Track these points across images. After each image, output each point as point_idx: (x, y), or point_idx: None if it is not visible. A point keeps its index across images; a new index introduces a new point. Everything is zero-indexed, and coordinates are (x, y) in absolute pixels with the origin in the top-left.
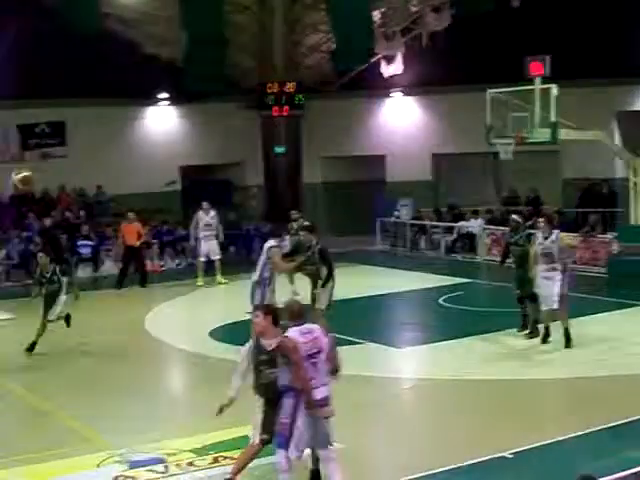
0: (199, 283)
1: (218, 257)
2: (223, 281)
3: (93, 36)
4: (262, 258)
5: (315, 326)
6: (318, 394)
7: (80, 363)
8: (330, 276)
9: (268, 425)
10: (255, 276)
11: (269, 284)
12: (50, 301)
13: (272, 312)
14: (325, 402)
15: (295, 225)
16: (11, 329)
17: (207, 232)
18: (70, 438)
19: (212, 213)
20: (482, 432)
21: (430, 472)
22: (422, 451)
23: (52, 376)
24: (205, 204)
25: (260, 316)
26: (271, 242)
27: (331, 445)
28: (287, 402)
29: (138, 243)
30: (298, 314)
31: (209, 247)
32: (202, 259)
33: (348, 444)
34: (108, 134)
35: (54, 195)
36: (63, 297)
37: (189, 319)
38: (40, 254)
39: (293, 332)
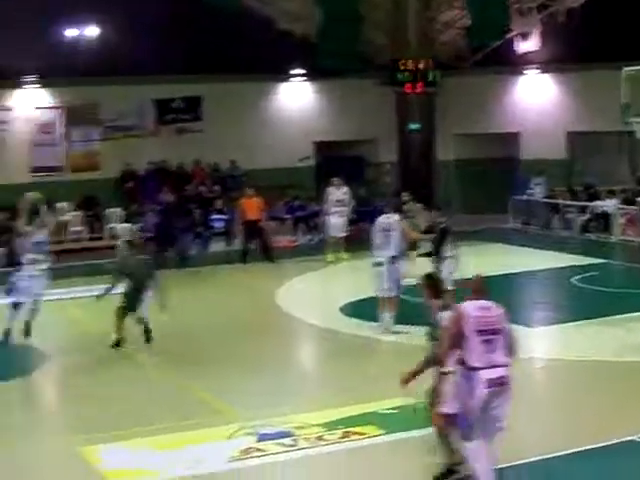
0: (329, 259)
1: (343, 234)
2: (345, 257)
3: (228, 11)
4: (393, 233)
5: (495, 305)
6: (493, 374)
7: (211, 338)
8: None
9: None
10: (390, 252)
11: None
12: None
13: (431, 283)
14: (499, 382)
15: (406, 207)
16: None
17: (337, 208)
18: (202, 410)
19: (344, 189)
20: (612, 414)
21: (561, 453)
22: (553, 432)
23: (184, 350)
24: (336, 180)
25: (422, 286)
26: (395, 216)
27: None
28: (446, 388)
29: (259, 218)
30: (478, 288)
31: (337, 223)
32: (331, 235)
33: None
34: (242, 109)
35: (189, 169)
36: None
37: (319, 294)
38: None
39: (468, 305)
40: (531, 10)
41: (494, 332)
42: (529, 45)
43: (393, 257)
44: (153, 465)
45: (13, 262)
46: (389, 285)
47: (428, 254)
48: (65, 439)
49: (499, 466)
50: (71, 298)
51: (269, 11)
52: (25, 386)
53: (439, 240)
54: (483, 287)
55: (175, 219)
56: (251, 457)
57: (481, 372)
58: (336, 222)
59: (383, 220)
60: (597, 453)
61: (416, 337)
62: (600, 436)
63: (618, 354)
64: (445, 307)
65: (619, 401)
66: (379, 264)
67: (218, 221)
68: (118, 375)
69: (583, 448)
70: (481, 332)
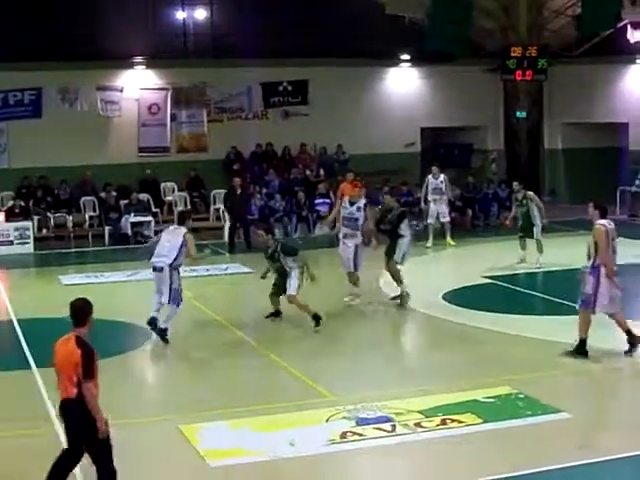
0: (427, 245)
1: (447, 219)
2: (452, 243)
3: None
4: None
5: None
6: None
7: (310, 322)
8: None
9: None
10: None
11: None
12: (282, 277)
13: (600, 207)
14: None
15: (519, 196)
16: (248, 284)
17: (436, 195)
18: (302, 393)
19: (441, 177)
20: None
21: None
22: None
23: (286, 333)
24: (434, 168)
25: (591, 206)
26: None
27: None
28: (590, 278)
29: None
30: (603, 210)
31: (438, 209)
32: (430, 221)
33: (576, 415)
34: (349, 94)
35: (295, 153)
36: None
37: (421, 281)
38: (258, 231)
39: (603, 221)
40: None
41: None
42: None
43: None
44: (252, 445)
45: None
46: None
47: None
48: (165, 417)
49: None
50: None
51: None
52: (127, 363)
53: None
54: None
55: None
56: (350, 441)
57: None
58: (434, 209)
59: None
60: None
61: (519, 327)
62: None
63: None
64: None
65: None
66: None
67: (322, 205)
68: (219, 355)
69: None
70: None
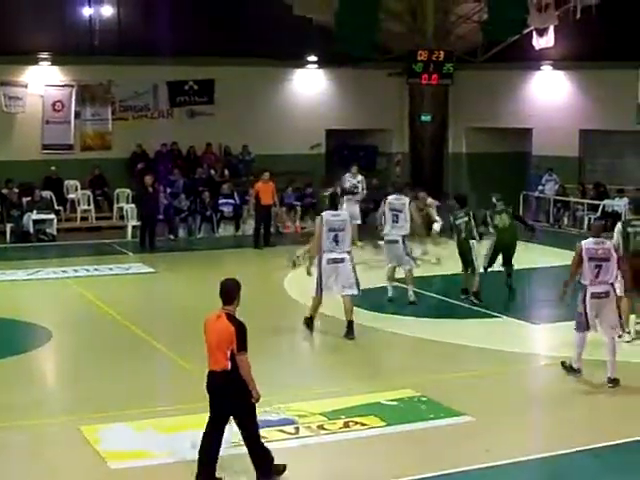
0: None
1: (358, 222)
2: (359, 244)
3: None
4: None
5: (608, 241)
6: (599, 289)
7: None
8: None
9: None
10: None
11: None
12: None
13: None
14: (605, 295)
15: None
16: (151, 283)
17: (350, 195)
18: (204, 394)
19: (359, 178)
20: (616, 414)
21: (562, 452)
22: (554, 431)
23: (188, 333)
24: (354, 168)
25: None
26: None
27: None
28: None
29: (272, 204)
30: (595, 230)
31: (351, 211)
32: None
33: (478, 417)
34: (255, 94)
35: (200, 152)
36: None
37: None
38: None
39: (588, 241)
40: (549, 6)
41: (606, 260)
42: (545, 41)
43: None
44: (155, 447)
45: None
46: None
47: None
48: (66, 418)
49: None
50: (76, 277)
51: None
52: (27, 363)
53: None
54: (598, 228)
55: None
56: None
57: None
58: (350, 210)
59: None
60: (607, 452)
61: (423, 330)
62: (605, 436)
63: (625, 354)
64: None
65: (622, 402)
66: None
67: (226, 205)
68: (121, 356)
69: (585, 447)
70: (595, 259)
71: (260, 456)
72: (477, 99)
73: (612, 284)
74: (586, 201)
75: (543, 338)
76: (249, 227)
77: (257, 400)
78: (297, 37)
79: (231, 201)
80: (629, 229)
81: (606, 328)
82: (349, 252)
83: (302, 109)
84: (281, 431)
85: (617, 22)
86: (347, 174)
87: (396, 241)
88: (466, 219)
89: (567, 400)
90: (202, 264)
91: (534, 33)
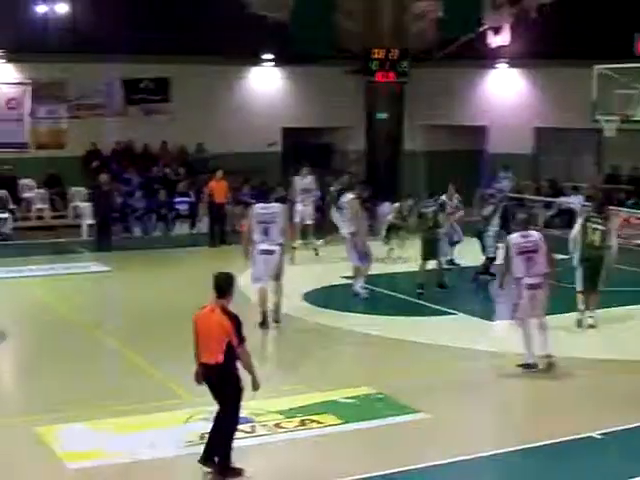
0: (294, 245)
1: (311, 222)
2: (318, 243)
3: None
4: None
5: (535, 233)
6: (533, 280)
7: (171, 321)
8: None
9: None
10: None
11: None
12: None
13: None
14: (538, 286)
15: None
16: (108, 282)
17: (304, 195)
18: (161, 394)
19: (309, 178)
20: (571, 410)
21: (514, 448)
22: (508, 427)
23: (143, 333)
24: (305, 169)
25: None
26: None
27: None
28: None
29: (225, 202)
30: (521, 224)
31: (304, 211)
32: (297, 221)
33: (434, 414)
34: (212, 92)
35: (155, 151)
36: None
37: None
38: None
39: (515, 236)
40: (504, 4)
41: (534, 252)
42: (501, 39)
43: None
44: (112, 447)
45: None
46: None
47: None
48: (21, 419)
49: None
50: (32, 276)
51: None
52: None
53: None
54: (524, 221)
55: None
56: None
57: None
58: (302, 210)
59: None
60: (553, 449)
61: (379, 328)
62: (559, 432)
63: (580, 351)
64: None
65: (579, 397)
66: None
67: (182, 204)
68: (78, 356)
69: (541, 443)
70: (525, 252)
71: (223, 454)
72: (433, 97)
73: (544, 275)
74: (541, 198)
75: (498, 335)
76: (205, 225)
77: (256, 389)
78: (253, 35)
79: (187, 199)
80: (588, 224)
81: (537, 314)
82: (280, 244)
83: (258, 107)
84: (237, 430)
85: (572, 20)
86: (297, 176)
87: (343, 238)
88: (434, 208)
89: (521, 396)
90: (157, 263)
91: (489, 31)
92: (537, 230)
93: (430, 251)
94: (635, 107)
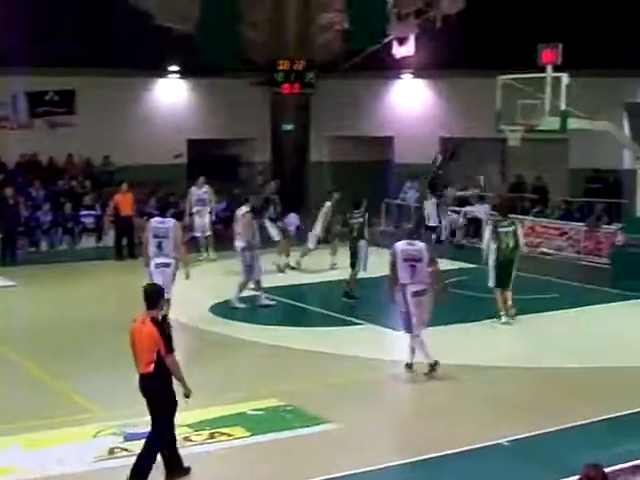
0: (200, 258)
1: (209, 233)
2: (213, 257)
3: (108, 5)
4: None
5: (420, 242)
6: (417, 287)
7: (78, 334)
8: None
9: None
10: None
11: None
12: None
13: None
14: (422, 293)
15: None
16: (13, 297)
17: (199, 207)
18: (70, 408)
19: (204, 189)
20: (479, 418)
21: (425, 457)
22: (418, 436)
23: (52, 347)
24: (201, 179)
25: None
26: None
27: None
28: (399, 297)
29: (131, 214)
30: (407, 233)
31: (201, 223)
32: (197, 234)
33: (343, 425)
34: (117, 104)
35: (61, 164)
36: None
37: (189, 293)
38: None
39: (401, 243)
40: (409, 15)
41: (419, 260)
42: (406, 50)
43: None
44: (22, 463)
45: None
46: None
47: None
48: None
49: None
50: None
51: (147, 6)
52: None
53: None
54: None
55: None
56: (118, 457)
57: None
58: (198, 222)
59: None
60: (463, 456)
61: (286, 339)
62: (468, 440)
63: (487, 358)
64: None
65: (487, 405)
66: None
67: (88, 217)
68: None
69: (449, 452)
70: (409, 260)
71: (174, 461)
72: (339, 108)
73: (428, 283)
74: (447, 208)
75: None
76: (111, 239)
77: (188, 396)
78: (158, 47)
79: (93, 212)
80: (499, 229)
81: (418, 323)
82: (175, 258)
83: (164, 119)
84: None
85: (476, 31)
86: (193, 187)
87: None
88: (360, 220)
89: (429, 405)
90: (64, 276)
91: (395, 42)
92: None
93: (352, 261)
94: (539, 117)
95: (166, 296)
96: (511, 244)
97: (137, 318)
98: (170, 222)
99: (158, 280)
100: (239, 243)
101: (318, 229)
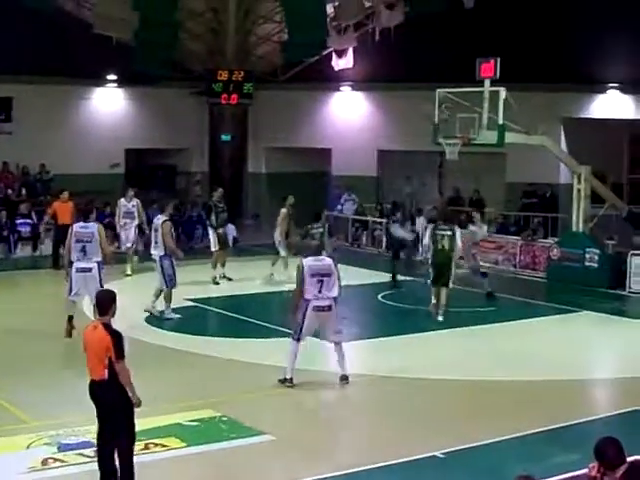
0: (128, 272)
1: (129, 245)
2: (128, 273)
3: (45, 13)
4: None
5: (327, 258)
6: (323, 302)
7: (13, 344)
8: None
9: None
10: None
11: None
12: None
13: None
14: (327, 308)
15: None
16: None
17: (127, 219)
18: (1, 419)
19: (133, 202)
20: (414, 431)
21: (361, 469)
22: (353, 447)
23: None
24: (130, 192)
25: None
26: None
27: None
28: (300, 311)
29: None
30: (315, 250)
31: (126, 235)
32: (124, 247)
33: (279, 436)
34: (55, 113)
35: None
36: None
37: (125, 304)
38: None
39: (308, 259)
40: (348, 28)
41: (327, 275)
42: (345, 62)
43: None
44: None
45: None
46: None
47: None
48: None
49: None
50: None
51: (85, 14)
52: None
53: None
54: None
55: None
56: (51, 468)
57: None
58: (123, 235)
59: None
60: (399, 468)
61: (222, 349)
62: (403, 451)
63: (422, 371)
64: None
65: (423, 417)
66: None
67: (24, 225)
68: None
69: (385, 463)
70: (317, 275)
71: (128, 475)
72: (277, 119)
73: (334, 298)
74: (384, 220)
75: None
76: (47, 247)
77: (138, 405)
78: (97, 55)
79: (29, 221)
80: (437, 231)
81: (331, 334)
82: (98, 262)
83: (102, 128)
84: (80, 454)
85: (414, 44)
86: (122, 199)
87: (154, 260)
88: (321, 230)
89: (364, 416)
90: None
91: (334, 54)
92: None
93: None
94: (476, 130)
95: (164, 287)
96: (447, 246)
97: (89, 324)
98: (94, 226)
99: (79, 284)
100: (157, 252)
101: (277, 235)
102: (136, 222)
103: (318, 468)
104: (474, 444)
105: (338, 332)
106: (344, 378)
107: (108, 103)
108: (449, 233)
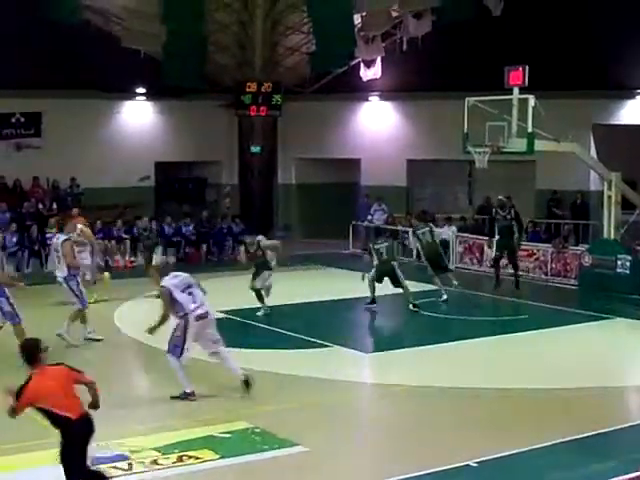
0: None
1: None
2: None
3: (73, 27)
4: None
5: (182, 273)
6: (202, 310)
7: (53, 354)
8: None
9: None
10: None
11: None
12: None
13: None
14: (207, 314)
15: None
16: None
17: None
18: (33, 432)
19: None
20: (449, 440)
21: (395, 479)
22: (387, 457)
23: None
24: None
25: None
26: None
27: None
28: (179, 323)
29: None
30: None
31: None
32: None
33: (312, 447)
34: (84, 127)
35: (27, 186)
36: None
37: (141, 319)
38: None
39: (167, 279)
40: (375, 38)
41: (189, 287)
42: (373, 72)
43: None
44: None
45: None
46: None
47: None
48: None
49: None
50: None
51: (114, 28)
52: None
53: None
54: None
55: None
56: None
57: None
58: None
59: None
60: (432, 478)
61: (254, 361)
62: (437, 461)
63: (455, 380)
64: None
65: (455, 427)
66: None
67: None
68: None
69: (419, 473)
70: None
71: None
72: (306, 130)
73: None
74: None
75: (372, 366)
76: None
77: (96, 408)
78: (126, 69)
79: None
80: (417, 231)
81: (209, 344)
82: (65, 275)
83: (131, 141)
84: (114, 467)
85: (442, 54)
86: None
87: (60, 282)
88: (386, 245)
89: (396, 427)
90: (31, 299)
91: (361, 64)
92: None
93: None
94: (505, 139)
95: (81, 306)
96: (430, 239)
97: (32, 376)
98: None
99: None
100: (60, 273)
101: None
102: (89, 247)
103: (352, 479)
104: (508, 452)
105: (216, 341)
106: (245, 382)
107: (137, 116)
108: (426, 229)
